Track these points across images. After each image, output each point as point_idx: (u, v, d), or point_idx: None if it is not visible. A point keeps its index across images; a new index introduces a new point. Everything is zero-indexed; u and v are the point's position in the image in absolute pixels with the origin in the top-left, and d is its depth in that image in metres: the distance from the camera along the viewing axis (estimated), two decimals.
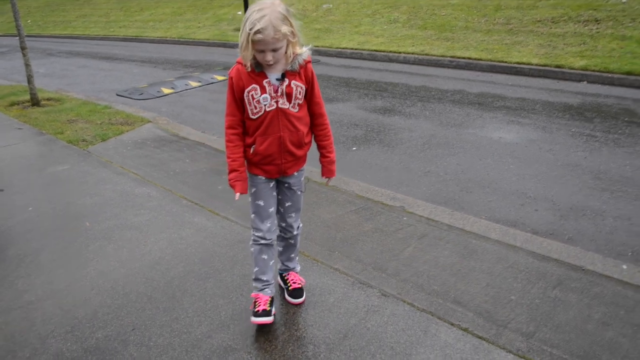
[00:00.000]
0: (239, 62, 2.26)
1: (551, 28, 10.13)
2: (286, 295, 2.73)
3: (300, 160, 2.46)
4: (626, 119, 5.95)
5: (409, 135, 5.71)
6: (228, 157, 2.39)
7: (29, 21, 23.06)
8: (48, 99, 7.89)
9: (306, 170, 2.59)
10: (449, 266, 3.05)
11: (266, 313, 2.47)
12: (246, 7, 14.34)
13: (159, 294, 2.83)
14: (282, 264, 2.79)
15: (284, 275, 2.79)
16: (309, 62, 2.31)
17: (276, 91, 2.24)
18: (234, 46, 13.31)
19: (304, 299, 2.69)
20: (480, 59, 9.26)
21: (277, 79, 2.24)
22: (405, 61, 10.08)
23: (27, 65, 7.38)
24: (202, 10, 18.27)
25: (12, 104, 7.67)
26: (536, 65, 8.61)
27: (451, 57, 9.63)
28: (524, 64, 8.75)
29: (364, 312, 2.59)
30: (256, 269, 2.55)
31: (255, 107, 2.27)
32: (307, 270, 2.96)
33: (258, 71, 2.22)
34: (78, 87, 9.31)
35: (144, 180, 4.51)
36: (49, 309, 2.75)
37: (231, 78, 2.28)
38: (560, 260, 3.12)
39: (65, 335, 2.53)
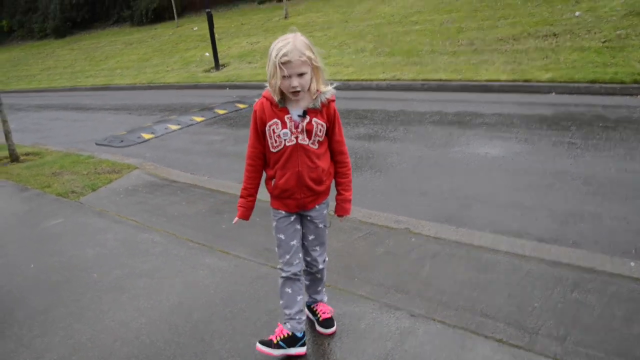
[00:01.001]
0: (264, 97, 2.36)
1: (513, 45, 10.56)
2: (317, 327, 2.73)
3: (321, 195, 2.49)
4: (600, 125, 6.21)
5: (398, 159, 5.83)
6: (243, 185, 2.51)
7: None
8: (27, 154, 7.76)
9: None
10: (468, 281, 3.11)
11: (268, 344, 2.50)
12: (214, 48, 14.51)
13: (186, 338, 2.79)
14: (310, 296, 2.80)
15: (312, 306, 2.80)
16: (333, 101, 2.38)
17: (297, 127, 2.31)
18: (206, 87, 13.44)
19: (336, 328, 2.70)
20: (451, 80, 9.55)
21: (299, 115, 2.31)
22: (379, 88, 10.32)
23: (4, 121, 7.26)
24: (168, 55, 18.36)
25: None
26: (505, 81, 8.93)
27: (422, 80, 9.91)
28: (493, 81, 9.06)
29: (398, 335, 2.61)
30: (281, 301, 2.58)
31: (276, 141, 2.34)
32: (332, 299, 2.97)
33: (281, 107, 2.31)
34: (54, 140, 9.18)
35: (144, 226, 4.46)
36: None
37: (255, 111, 2.37)
38: (571, 264, 3.22)
39: None
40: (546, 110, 7.22)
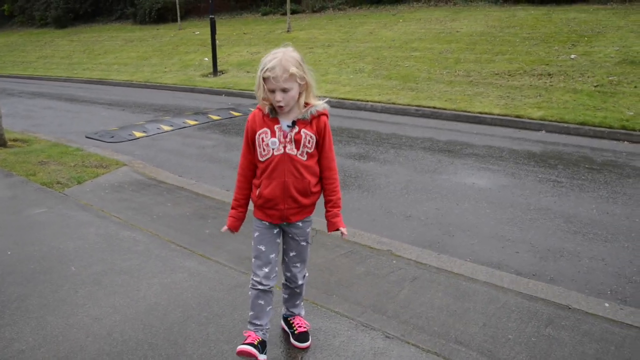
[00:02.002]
0: (258, 107, 2.41)
1: (508, 80, 10.76)
2: (292, 340, 2.72)
3: (305, 210, 2.48)
4: (586, 166, 6.33)
5: (386, 181, 5.88)
6: (234, 195, 2.53)
7: None
8: (15, 140, 7.69)
9: (313, 221, 2.64)
10: (445, 307, 3.13)
11: (253, 346, 2.43)
12: (214, 54, 14.57)
13: (159, 340, 2.77)
14: (287, 310, 2.79)
15: (289, 319, 2.79)
16: (324, 114, 2.41)
17: (285, 137, 2.34)
18: (202, 92, 13.48)
19: (310, 343, 2.70)
20: (445, 109, 9.69)
21: (288, 126, 2.35)
22: (373, 109, 10.42)
23: None
24: (168, 56, 18.40)
25: None
26: (497, 114, 9.08)
27: (417, 106, 10.04)
28: (486, 113, 9.21)
29: (371, 355, 2.62)
30: (251, 313, 2.54)
31: (264, 150, 2.37)
32: (309, 313, 2.98)
33: (272, 117, 2.35)
34: (45, 129, 9.12)
35: (127, 224, 4.44)
36: (44, 358, 2.65)
37: (248, 121, 2.42)
38: (547, 299, 3.26)
39: None
40: (535, 147, 7.35)
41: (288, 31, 18.13)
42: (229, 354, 2.63)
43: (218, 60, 14.97)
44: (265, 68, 2.22)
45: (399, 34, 15.69)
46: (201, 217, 4.67)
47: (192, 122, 9.46)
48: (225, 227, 2.54)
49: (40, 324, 2.95)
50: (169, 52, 18.87)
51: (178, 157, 7.18)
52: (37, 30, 31.16)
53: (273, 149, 2.35)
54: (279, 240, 2.55)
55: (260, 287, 2.49)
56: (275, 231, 2.52)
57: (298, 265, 2.60)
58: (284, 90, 2.25)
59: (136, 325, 2.92)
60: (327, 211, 2.51)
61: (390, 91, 11.16)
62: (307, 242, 2.59)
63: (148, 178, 5.90)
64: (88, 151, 7.06)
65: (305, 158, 2.39)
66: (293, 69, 2.23)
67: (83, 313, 3.05)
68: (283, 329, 2.83)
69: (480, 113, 9.24)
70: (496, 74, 11.19)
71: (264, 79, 2.24)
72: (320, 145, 2.43)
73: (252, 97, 12.20)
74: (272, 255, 2.50)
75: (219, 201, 5.09)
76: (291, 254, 2.58)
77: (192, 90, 13.75)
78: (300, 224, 2.51)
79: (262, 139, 2.35)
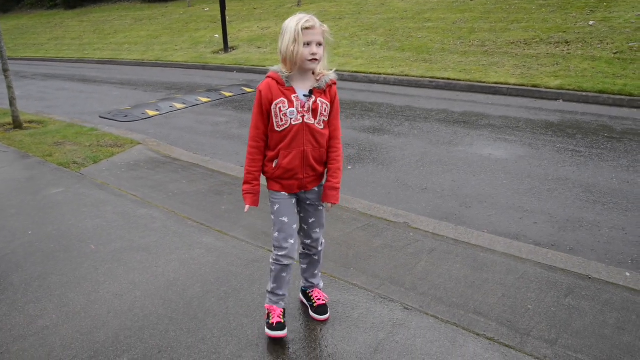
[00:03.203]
0: (270, 77, 2.35)
1: (524, 50, 10.52)
2: (311, 312, 2.74)
3: (320, 177, 2.50)
4: (606, 135, 6.20)
5: (401, 154, 5.83)
6: (245, 169, 2.46)
7: None
8: (30, 122, 7.75)
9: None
10: (463, 279, 3.12)
11: (281, 326, 2.52)
12: (224, 30, 14.44)
13: (179, 315, 2.80)
14: (306, 280, 2.79)
15: (308, 292, 2.80)
16: (335, 83, 2.41)
17: (303, 106, 2.33)
18: (213, 69, 13.40)
19: (329, 316, 2.71)
20: (459, 80, 9.53)
21: (305, 95, 2.33)
22: (386, 82, 10.29)
23: (9, 87, 7.24)
24: (178, 34, 18.28)
25: None
26: (513, 85, 8.91)
27: (431, 77, 9.88)
28: (501, 83, 9.04)
29: (390, 326, 2.63)
30: (274, 285, 2.57)
31: (282, 120, 2.33)
32: (327, 286, 2.99)
33: (288, 86, 2.32)
34: (59, 110, 9.17)
35: (144, 201, 4.47)
36: (67, 334, 2.69)
37: (260, 91, 2.35)
38: (566, 270, 3.23)
39: None
40: (552, 116, 7.21)
41: (298, 4, 17.87)
42: (249, 327, 2.65)
43: (228, 37, 14.84)
44: (304, 20, 2.21)
45: (411, 5, 15.38)
46: (217, 193, 4.68)
47: (204, 100, 9.43)
48: (247, 207, 2.48)
49: (62, 301, 2.99)
50: (179, 30, 18.74)
51: (192, 134, 7.17)
52: (47, 12, 31.12)
53: (291, 119, 2.32)
54: (298, 210, 2.56)
55: (286, 262, 2.49)
56: (294, 201, 2.51)
57: (318, 230, 2.59)
58: (319, 44, 2.25)
59: (156, 300, 2.95)
60: (326, 180, 2.50)
61: (403, 63, 11.00)
62: (324, 207, 2.58)
63: (163, 156, 5.91)
64: (102, 131, 7.09)
65: (322, 127, 2.40)
66: (324, 25, 2.28)
67: (104, 290, 3.09)
68: (301, 302, 2.86)
69: (496, 83, 9.08)
70: (512, 43, 10.94)
71: (304, 29, 2.20)
72: (331, 111, 2.43)
73: (264, 72, 12.08)
74: (295, 226, 2.50)
75: (234, 177, 5.09)
76: (310, 221, 2.57)
77: (203, 67, 13.68)
78: (316, 189, 2.52)
79: (280, 108, 2.31)
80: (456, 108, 7.90)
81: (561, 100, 8.23)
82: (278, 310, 2.58)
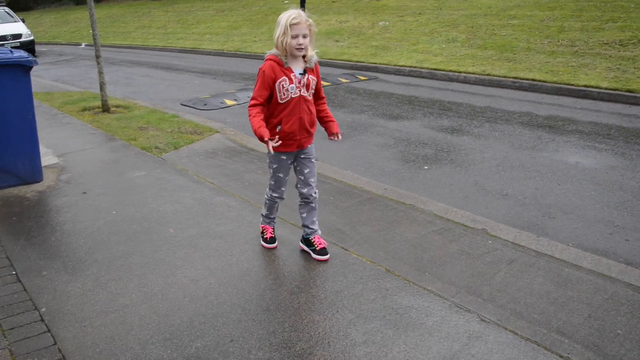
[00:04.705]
0: (271, 59, 2.95)
1: (619, 51, 9.83)
2: (314, 255, 3.31)
3: (312, 136, 3.22)
4: None
5: (480, 157, 5.61)
6: (254, 123, 2.93)
7: (91, 31, 24.02)
8: (117, 106, 8.15)
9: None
10: (545, 294, 2.94)
11: (273, 240, 3.49)
12: None
13: (252, 306, 2.83)
14: (308, 227, 3.35)
15: (310, 238, 3.35)
16: (317, 61, 3.07)
17: (300, 82, 2.99)
18: None
19: (329, 257, 3.30)
20: (545, 81, 9.05)
21: (300, 73, 2.99)
22: (466, 81, 9.96)
23: (100, 73, 7.66)
24: (257, 25, 18.64)
25: (84, 110, 7.96)
26: (605, 89, 8.34)
27: (514, 78, 9.46)
28: (592, 87, 8.50)
29: (466, 338, 2.52)
30: (268, 212, 3.47)
31: (284, 94, 2.97)
32: (400, 290, 2.91)
33: (286, 67, 2.95)
34: (143, 95, 9.60)
35: (221, 189, 4.57)
36: (145, 314, 2.79)
37: (263, 71, 2.94)
38: None
39: (164, 342, 2.56)
40: None
41: None
42: (320, 325, 2.63)
43: None
44: (292, 17, 2.82)
45: (496, 1, 14.79)
46: (291, 185, 4.69)
47: None
48: (271, 144, 2.91)
49: (142, 281, 3.11)
50: (259, 22, 19.09)
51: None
52: (135, 2, 32.72)
53: (291, 93, 2.97)
54: (295, 166, 3.27)
55: (277, 200, 3.40)
56: (290, 161, 3.22)
57: (312, 180, 3.26)
58: (304, 36, 2.86)
59: (230, 289, 3.00)
60: (326, 122, 3.24)
61: (485, 62, 10.60)
62: (315, 160, 3.28)
63: (239, 145, 6.03)
64: (183, 118, 7.34)
65: (311, 98, 3.10)
66: (310, 20, 2.89)
67: (181, 274, 3.18)
68: (303, 250, 3.42)
69: (586, 86, 8.54)
70: (605, 44, 10.25)
71: (290, 25, 2.81)
72: (316, 84, 3.10)
73: (341, 66, 12.10)
74: (287, 178, 3.31)
75: None
76: (306, 171, 3.24)
77: None
78: (310, 146, 3.22)
79: (282, 85, 2.94)
80: (541, 111, 7.51)
81: None
82: (270, 228, 3.51)
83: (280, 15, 2.86)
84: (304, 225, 3.36)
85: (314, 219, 3.34)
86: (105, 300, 2.94)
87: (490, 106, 7.89)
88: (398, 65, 11.27)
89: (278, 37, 2.86)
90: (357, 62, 12.13)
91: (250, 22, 19.31)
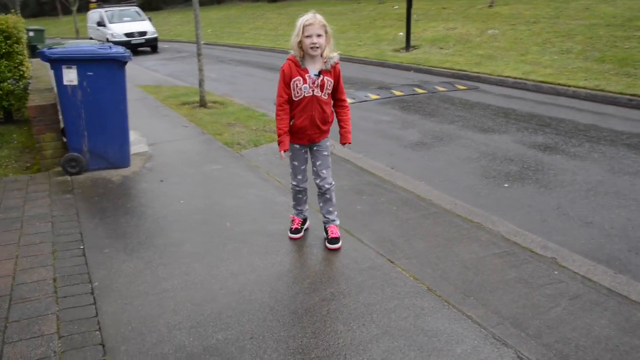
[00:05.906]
0: (289, 59, 3.17)
1: None
2: (326, 243, 3.49)
3: (325, 133, 3.39)
4: None
5: (571, 178, 5.12)
6: (278, 127, 3.28)
7: (209, 31, 25.60)
8: (214, 102, 8.58)
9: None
10: (605, 339, 2.59)
11: (297, 231, 3.63)
12: (408, 28, 14.33)
13: (281, 306, 2.81)
14: (324, 216, 3.56)
15: (326, 227, 3.55)
16: (338, 63, 3.23)
17: (313, 83, 3.17)
18: (391, 66, 13.40)
19: (340, 246, 3.45)
20: None
21: (315, 75, 3.16)
22: (575, 96, 9.19)
23: (200, 70, 8.11)
24: (364, 30, 18.68)
25: (183, 104, 8.48)
26: None
27: (631, 95, 8.54)
28: None
29: None
30: (294, 202, 3.65)
31: (298, 93, 3.19)
32: (436, 311, 2.73)
33: (302, 67, 3.15)
34: (242, 93, 10.01)
35: (286, 189, 4.60)
36: (181, 300, 2.88)
37: (283, 70, 3.19)
38: None
39: (189, 330, 2.62)
40: None
41: (490, 6, 16.89)
42: (341, 335, 2.54)
43: (412, 36, 14.68)
44: (306, 19, 3.03)
45: (622, 10, 13.49)
46: (357, 192, 4.62)
47: (373, 96, 9.46)
48: (283, 153, 3.29)
49: (187, 269, 3.22)
50: (365, 26, 19.13)
51: (352, 129, 7.21)
52: (252, 4, 34.36)
53: (304, 92, 3.18)
54: (307, 157, 3.48)
55: (297, 188, 3.53)
56: (304, 151, 3.45)
57: (324, 171, 3.46)
58: (318, 36, 3.03)
59: (265, 287, 3.01)
60: (341, 127, 3.45)
61: (600, 76, 9.70)
62: (328, 153, 3.46)
63: None
64: (271, 117, 7.53)
65: (326, 97, 3.27)
66: (324, 21, 3.08)
67: (224, 267, 3.25)
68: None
69: None
70: None
71: (304, 27, 3.02)
72: (336, 85, 3.28)
73: (441, 74, 11.73)
74: (303, 167, 3.49)
75: (380, 178, 4.98)
76: (318, 163, 3.45)
77: (381, 64, 13.76)
78: (322, 141, 3.41)
79: (296, 84, 3.16)
80: None
81: None
82: (297, 220, 3.65)
83: (297, 20, 3.09)
84: (322, 213, 3.60)
85: (330, 208, 3.54)
86: (150, 283, 3.08)
87: (596, 124, 7.20)
88: (502, 76, 10.69)
89: (294, 38, 3.09)
90: (459, 70, 11.69)
91: (358, 27, 19.41)
